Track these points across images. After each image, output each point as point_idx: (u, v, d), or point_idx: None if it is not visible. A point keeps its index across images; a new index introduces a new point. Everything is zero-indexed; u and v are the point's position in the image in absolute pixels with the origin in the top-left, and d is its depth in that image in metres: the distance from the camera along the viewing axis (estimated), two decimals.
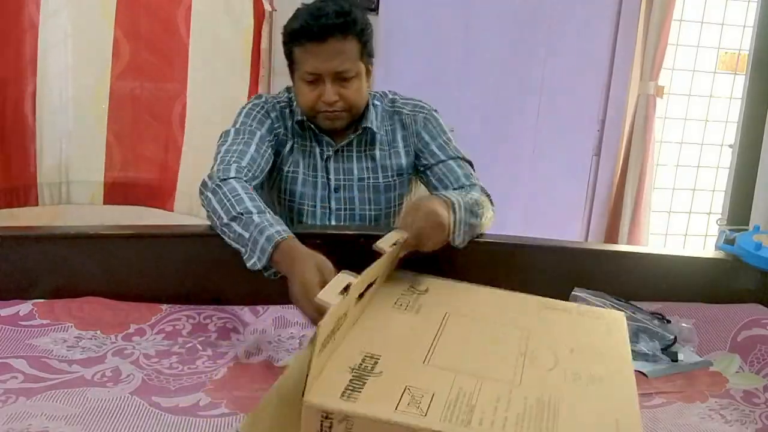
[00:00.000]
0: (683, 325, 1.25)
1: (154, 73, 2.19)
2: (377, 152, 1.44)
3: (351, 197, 1.44)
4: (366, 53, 1.36)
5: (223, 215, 1.16)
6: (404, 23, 2.63)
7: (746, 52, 2.27)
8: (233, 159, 1.28)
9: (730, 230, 1.48)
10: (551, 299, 1.08)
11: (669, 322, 1.25)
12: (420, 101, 1.49)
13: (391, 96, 1.50)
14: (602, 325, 1.02)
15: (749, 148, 1.99)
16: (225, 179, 1.21)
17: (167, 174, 2.25)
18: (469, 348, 0.91)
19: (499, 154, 2.70)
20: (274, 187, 1.45)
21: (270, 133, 1.39)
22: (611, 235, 2.81)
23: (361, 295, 0.93)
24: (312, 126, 1.40)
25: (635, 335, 1.18)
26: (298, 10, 1.35)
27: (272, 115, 1.41)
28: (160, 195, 2.27)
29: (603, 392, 0.83)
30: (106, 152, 2.19)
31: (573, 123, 2.72)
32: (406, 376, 0.80)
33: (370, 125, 1.41)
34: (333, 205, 1.44)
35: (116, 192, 2.24)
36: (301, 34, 1.30)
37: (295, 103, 1.42)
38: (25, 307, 1.18)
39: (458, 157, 1.42)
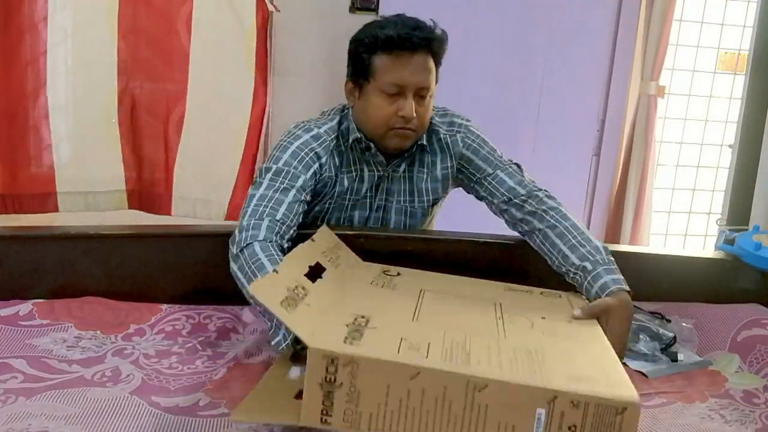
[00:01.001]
0: (683, 325, 1.25)
1: (155, 75, 2.19)
2: (415, 174, 1.37)
3: (387, 219, 1.40)
4: (437, 78, 1.30)
5: (246, 284, 1.09)
6: None
7: (746, 52, 2.26)
8: (267, 211, 1.17)
9: (730, 230, 1.48)
10: (514, 284, 1.16)
11: (669, 321, 1.25)
12: (453, 117, 1.39)
13: None
14: (564, 302, 1.10)
15: (749, 148, 1.99)
16: (249, 244, 1.11)
17: (167, 178, 2.25)
18: (450, 313, 0.98)
19: None
20: (311, 218, 1.37)
21: (314, 177, 1.28)
22: (612, 236, 2.81)
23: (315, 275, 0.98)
24: (370, 145, 1.31)
25: (635, 335, 1.18)
26: (380, 20, 1.29)
27: (323, 158, 1.29)
28: (164, 201, 2.27)
29: (580, 345, 0.93)
30: (123, 159, 2.19)
31: (573, 123, 2.71)
32: (400, 330, 0.85)
33: (424, 143, 1.34)
34: (371, 224, 1.40)
35: (134, 199, 2.24)
36: (393, 42, 1.23)
37: (346, 123, 1.33)
38: (25, 307, 1.18)
39: (505, 165, 1.34)
